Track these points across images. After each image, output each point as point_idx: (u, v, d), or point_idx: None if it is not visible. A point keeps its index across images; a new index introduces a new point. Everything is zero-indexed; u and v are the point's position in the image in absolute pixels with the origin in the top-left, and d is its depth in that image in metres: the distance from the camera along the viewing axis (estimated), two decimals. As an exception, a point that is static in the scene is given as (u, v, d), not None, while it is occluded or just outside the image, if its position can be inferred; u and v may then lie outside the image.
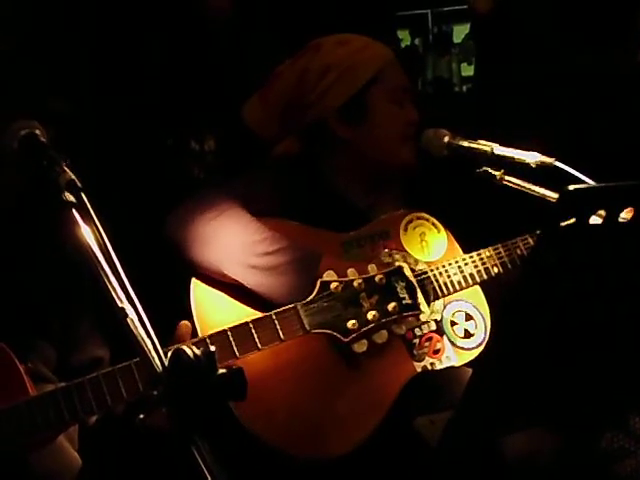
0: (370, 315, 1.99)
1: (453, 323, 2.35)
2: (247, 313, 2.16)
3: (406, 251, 2.37)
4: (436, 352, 2.31)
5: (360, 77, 2.45)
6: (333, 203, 2.43)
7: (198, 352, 1.36)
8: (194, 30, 3.93)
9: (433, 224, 2.44)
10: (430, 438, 2.21)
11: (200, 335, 2.05)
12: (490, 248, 2.36)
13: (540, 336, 1.66)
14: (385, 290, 2.02)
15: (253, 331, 1.96)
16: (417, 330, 2.30)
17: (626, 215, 1.57)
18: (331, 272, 2.06)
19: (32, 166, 1.62)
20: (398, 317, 2.02)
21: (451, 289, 2.31)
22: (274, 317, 1.99)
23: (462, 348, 2.32)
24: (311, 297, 2.00)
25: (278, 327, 1.98)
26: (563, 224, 1.51)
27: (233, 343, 1.94)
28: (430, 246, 2.40)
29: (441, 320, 2.34)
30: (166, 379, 1.35)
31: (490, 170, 2.29)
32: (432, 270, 2.32)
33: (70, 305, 2.05)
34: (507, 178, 2.27)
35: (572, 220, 1.52)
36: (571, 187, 1.51)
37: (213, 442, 1.33)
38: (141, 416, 1.47)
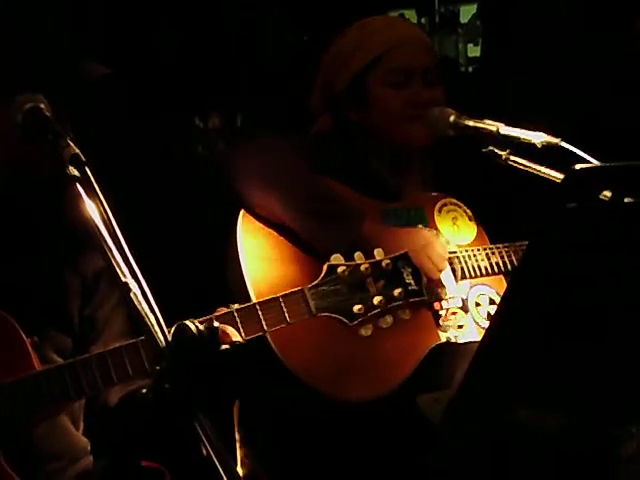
0: (376, 300, 1.99)
1: (477, 304, 2.44)
2: (288, 254, 2.34)
3: (439, 230, 2.46)
4: (460, 327, 2.40)
5: (359, 61, 2.49)
6: (367, 180, 2.49)
7: (201, 327, 1.36)
8: (204, 10, 3.93)
9: (465, 212, 2.52)
10: (433, 416, 2.22)
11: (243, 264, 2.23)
12: (518, 242, 2.43)
13: (544, 316, 1.66)
14: (391, 275, 2.02)
15: (260, 313, 1.96)
16: (444, 303, 2.40)
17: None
18: (338, 256, 2.06)
19: (37, 140, 1.61)
20: (403, 302, 2.02)
21: (477, 273, 2.42)
22: (281, 300, 1.99)
23: (484, 328, 2.39)
24: (318, 280, 2.00)
25: (285, 309, 1.98)
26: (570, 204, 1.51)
27: (239, 324, 1.93)
28: (461, 231, 2.49)
29: (467, 299, 2.43)
30: (169, 354, 1.35)
31: (496, 150, 2.28)
32: (462, 252, 2.43)
33: (88, 295, 2.04)
34: (512, 158, 2.26)
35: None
36: (577, 166, 1.50)
37: (214, 416, 1.33)
38: (144, 390, 1.48)
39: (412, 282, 2.02)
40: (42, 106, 1.66)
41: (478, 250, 2.43)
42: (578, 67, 3.47)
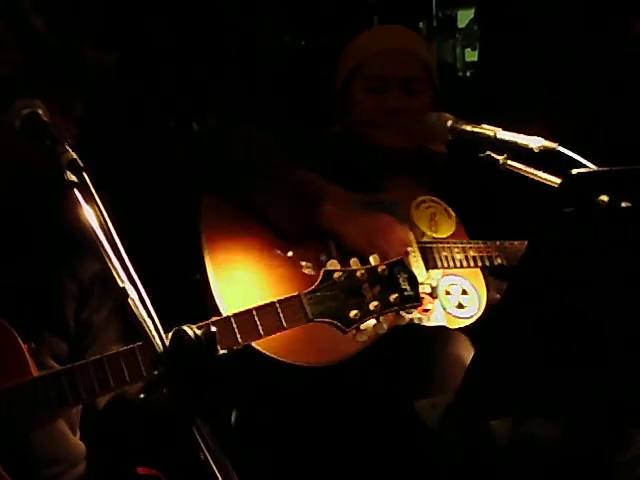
0: (372, 305, 2.00)
1: (447, 292, 2.48)
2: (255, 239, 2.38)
3: (414, 223, 2.49)
4: (425, 310, 2.44)
5: (345, 69, 2.61)
6: (354, 179, 2.56)
7: (199, 333, 1.36)
8: (200, 11, 3.92)
9: (446, 209, 2.56)
10: (430, 421, 2.22)
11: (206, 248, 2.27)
12: (498, 241, 2.48)
13: (542, 320, 1.66)
14: (387, 281, 2.03)
15: (256, 318, 1.96)
16: None
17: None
18: (334, 262, 2.07)
19: (34, 145, 1.61)
20: (399, 308, 2.03)
21: (451, 264, 2.46)
22: (277, 305, 2.00)
23: (452, 315, 2.45)
24: (314, 286, 2.00)
25: (281, 315, 1.99)
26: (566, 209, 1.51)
27: (236, 330, 1.94)
28: (439, 225, 2.53)
29: (436, 287, 2.47)
30: (167, 359, 1.35)
31: (493, 155, 2.28)
32: (437, 243, 2.46)
33: (84, 300, 2.04)
34: (510, 163, 2.27)
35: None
36: (575, 171, 1.50)
37: (213, 422, 1.33)
38: (142, 395, 1.48)
39: (408, 288, 2.03)
40: (40, 111, 1.67)
41: (455, 243, 2.47)
42: (577, 69, 3.47)
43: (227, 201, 2.43)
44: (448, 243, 2.47)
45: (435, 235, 2.50)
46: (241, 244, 2.38)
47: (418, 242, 2.45)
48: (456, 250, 2.45)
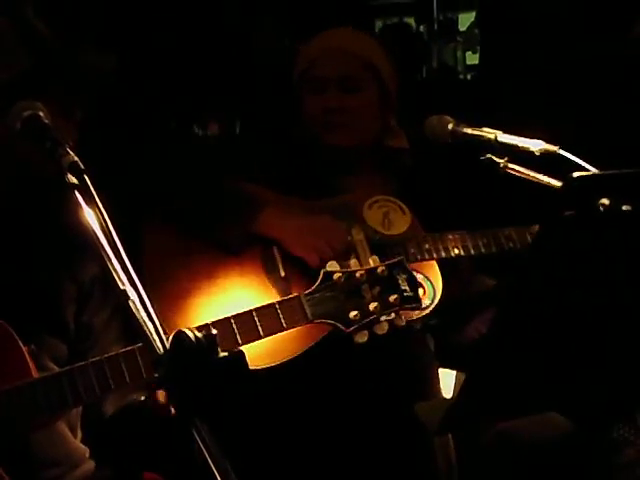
0: (372, 306, 2.00)
1: None
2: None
3: (366, 224, 2.49)
4: None
5: (295, 72, 2.65)
6: (307, 182, 2.58)
7: (200, 335, 1.36)
8: (200, 16, 3.93)
9: (400, 207, 2.55)
10: (430, 423, 2.22)
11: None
12: (456, 232, 2.47)
13: (542, 323, 1.66)
14: (387, 282, 2.03)
15: (256, 319, 1.96)
16: None
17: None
18: (334, 263, 2.07)
19: (35, 147, 1.61)
20: (399, 309, 2.02)
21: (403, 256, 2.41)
22: (277, 306, 2.00)
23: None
24: (314, 287, 2.00)
25: (281, 316, 1.99)
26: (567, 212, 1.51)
27: (236, 331, 1.94)
28: (392, 223, 2.52)
29: None
30: (167, 361, 1.35)
31: (494, 158, 2.28)
32: (389, 240, 2.46)
33: (84, 302, 2.04)
34: (511, 166, 2.27)
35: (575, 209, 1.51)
36: (575, 174, 1.50)
37: (213, 424, 1.33)
38: (142, 398, 1.48)
39: (407, 288, 2.02)
40: (41, 114, 1.67)
41: (409, 239, 2.46)
42: (577, 72, 3.47)
43: (167, 230, 2.43)
44: (401, 238, 2.46)
45: (388, 232, 2.50)
46: (186, 272, 2.38)
47: (368, 239, 2.42)
48: (410, 245, 2.45)
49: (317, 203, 2.52)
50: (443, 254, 2.45)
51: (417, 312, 2.34)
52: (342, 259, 2.07)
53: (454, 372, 2.58)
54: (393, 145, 2.68)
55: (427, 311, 2.39)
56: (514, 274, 1.61)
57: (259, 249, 2.41)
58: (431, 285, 2.43)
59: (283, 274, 2.37)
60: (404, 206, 2.54)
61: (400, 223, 2.52)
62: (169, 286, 2.34)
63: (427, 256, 2.45)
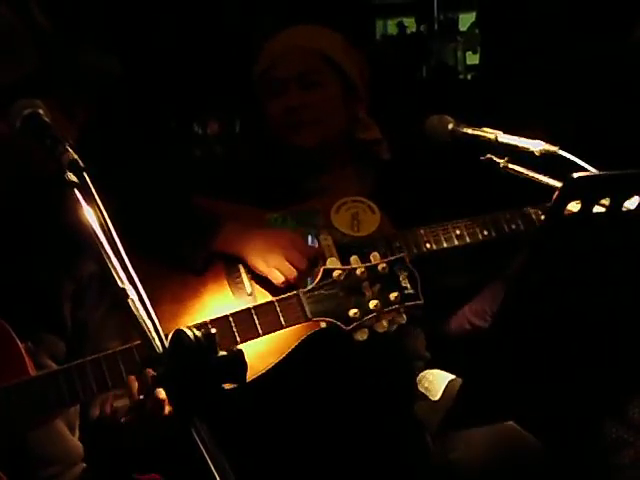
0: (372, 304, 1.99)
1: None
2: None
3: (333, 227, 2.45)
4: None
5: (255, 70, 2.62)
6: (277, 186, 2.55)
7: (199, 334, 1.36)
8: (200, 16, 3.92)
9: (369, 206, 2.51)
10: (430, 423, 2.22)
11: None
12: (427, 226, 2.42)
13: (542, 324, 1.66)
14: (388, 279, 2.02)
15: (255, 317, 1.96)
16: None
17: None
18: (334, 259, 2.06)
19: (35, 145, 1.61)
20: (399, 306, 2.02)
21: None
22: (276, 304, 1.99)
23: None
24: (314, 284, 2.00)
25: (280, 314, 1.98)
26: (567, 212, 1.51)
27: (234, 328, 1.93)
28: (361, 224, 2.48)
29: None
30: (166, 360, 1.35)
31: (494, 158, 2.28)
32: (358, 242, 2.41)
33: (81, 299, 2.04)
34: (511, 166, 2.26)
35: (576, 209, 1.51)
36: (575, 174, 1.50)
37: (212, 423, 1.33)
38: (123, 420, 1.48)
39: (408, 286, 2.01)
40: (41, 111, 1.66)
41: (378, 239, 2.41)
42: (577, 72, 3.47)
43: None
44: (370, 238, 2.42)
45: (357, 234, 2.46)
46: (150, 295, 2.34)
47: (336, 242, 2.35)
48: (380, 244, 2.38)
49: (279, 213, 2.47)
50: (415, 250, 2.40)
51: None
52: (312, 267, 2.03)
53: (447, 374, 2.55)
54: (365, 138, 2.65)
55: None
56: (513, 275, 1.61)
57: (222, 266, 2.37)
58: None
59: (250, 291, 2.32)
60: (373, 205, 2.50)
61: (369, 223, 2.48)
62: None
63: (397, 254, 2.43)
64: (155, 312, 2.30)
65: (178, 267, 2.35)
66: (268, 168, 2.60)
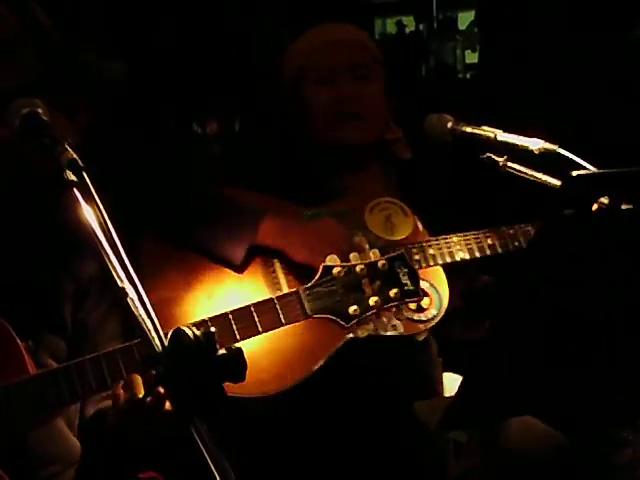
0: (372, 301, 1.99)
1: None
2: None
3: (367, 228, 2.43)
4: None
5: (291, 67, 2.56)
6: (306, 184, 2.52)
7: (198, 333, 1.36)
8: (200, 16, 3.93)
9: (401, 208, 2.48)
10: (429, 422, 2.22)
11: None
12: (460, 234, 2.43)
13: (539, 323, 1.66)
14: (388, 276, 2.02)
15: (255, 314, 1.96)
16: None
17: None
18: (334, 257, 2.05)
19: (34, 145, 1.61)
20: (399, 303, 2.01)
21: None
22: (276, 301, 1.99)
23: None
24: (313, 281, 1.99)
25: (280, 311, 1.98)
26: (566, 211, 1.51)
27: (234, 326, 1.93)
28: (395, 227, 2.45)
29: None
30: (166, 359, 1.35)
31: (493, 156, 2.28)
32: (393, 246, 2.36)
33: (81, 299, 2.04)
34: (510, 165, 2.27)
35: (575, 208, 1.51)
36: (574, 173, 1.50)
37: (212, 422, 1.33)
38: (140, 395, 1.47)
39: (408, 283, 2.01)
40: (39, 111, 1.66)
41: (412, 245, 2.40)
42: (576, 71, 3.47)
43: (168, 244, 2.37)
44: (405, 244, 2.39)
45: (391, 238, 2.43)
46: (189, 289, 2.32)
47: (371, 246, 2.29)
48: (415, 251, 2.39)
49: (315, 211, 2.45)
50: (448, 259, 2.40)
51: (423, 325, 2.31)
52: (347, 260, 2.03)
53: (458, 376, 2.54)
54: (390, 138, 2.63)
55: (434, 322, 2.32)
56: (514, 271, 1.61)
57: (259, 263, 2.35)
58: (437, 293, 2.36)
59: (284, 287, 2.31)
60: (406, 207, 2.48)
61: (403, 227, 2.45)
62: (164, 294, 2.28)
63: (432, 262, 2.40)
64: (188, 310, 2.28)
65: (216, 261, 2.33)
66: (291, 167, 2.56)
